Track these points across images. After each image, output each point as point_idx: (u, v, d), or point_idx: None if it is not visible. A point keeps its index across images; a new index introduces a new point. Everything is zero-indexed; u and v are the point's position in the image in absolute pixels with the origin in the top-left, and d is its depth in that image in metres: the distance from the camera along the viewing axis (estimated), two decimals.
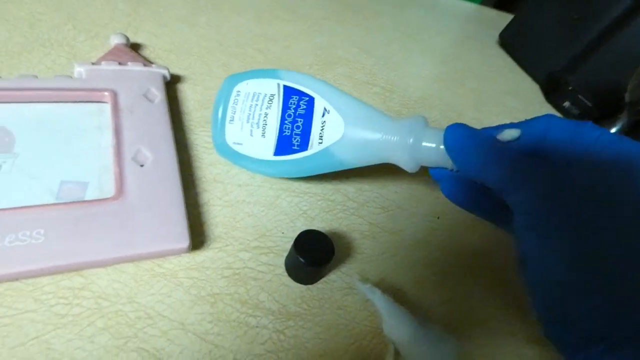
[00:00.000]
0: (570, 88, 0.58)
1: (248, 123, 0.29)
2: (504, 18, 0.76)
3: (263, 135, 0.29)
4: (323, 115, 0.27)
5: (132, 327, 0.22)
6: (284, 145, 0.28)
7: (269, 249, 0.28)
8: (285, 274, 0.27)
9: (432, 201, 0.37)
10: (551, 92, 0.60)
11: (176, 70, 0.38)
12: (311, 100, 0.28)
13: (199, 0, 0.47)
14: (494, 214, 0.25)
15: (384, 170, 0.37)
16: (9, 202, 0.24)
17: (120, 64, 0.33)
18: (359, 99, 0.28)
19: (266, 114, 0.28)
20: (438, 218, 0.35)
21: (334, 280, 0.28)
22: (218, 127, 0.30)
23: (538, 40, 0.63)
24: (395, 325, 0.25)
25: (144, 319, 0.23)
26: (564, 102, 0.59)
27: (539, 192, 0.19)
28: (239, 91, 0.30)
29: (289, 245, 0.29)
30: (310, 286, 0.27)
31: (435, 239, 0.34)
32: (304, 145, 0.28)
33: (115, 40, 0.35)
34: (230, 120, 0.30)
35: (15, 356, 0.20)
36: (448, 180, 0.26)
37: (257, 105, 0.29)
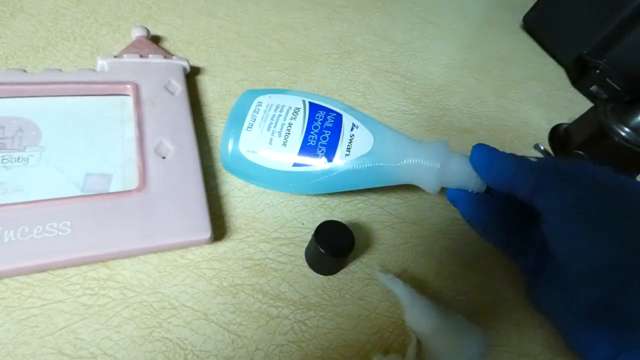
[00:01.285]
0: (597, 71, 0.55)
1: (269, 131, 0.27)
2: (528, 1, 0.73)
3: (284, 144, 0.27)
4: (352, 129, 0.27)
5: (156, 317, 0.23)
6: (307, 154, 0.27)
7: (289, 239, 0.28)
8: (306, 264, 0.28)
9: None
10: (578, 76, 0.58)
11: (195, 62, 0.38)
12: (339, 116, 0.28)
13: None
14: (504, 237, 0.27)
15: None
16: (37, 194, 0.25)
17: (141, 56, 0.33)
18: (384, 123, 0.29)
19: (290, 124, 0.27)
20: None
21: (354, 270, 0.28)
22: (230, 136, 0.28)
23: (564, 23, 0.61)
24: (417, 316, 0.25)
25: (168, 309, 0.23)
26: (591, 87, 0.56)
27: (577, 188, 0.20)
28: (260, 102, 0.29)
29: (308, 236, 0.29)
30: (330, 277, 0.27)
31: (457, 228, 0.33)
32: (329, 155, 0.27)
33: (137, 33, 0.36)
34: (248, 128, 0.28)
35: (45, 346, 0.21)
36: (465, 203, 0.27)
37: (280, 115, 0.28)
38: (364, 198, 0.33)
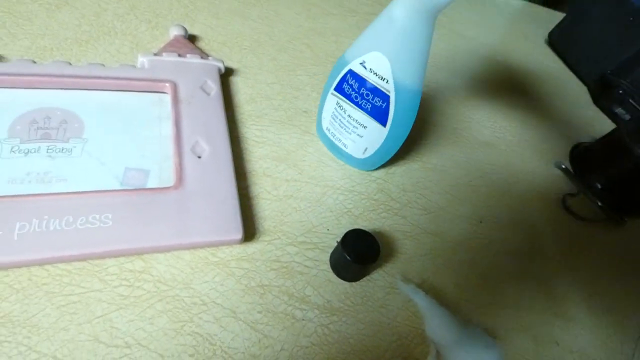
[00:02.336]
0: (620, 91, 0.56)
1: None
2: (553, 16, 0.73)
3: None
4: None
5: (188, 312, 0.24)
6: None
7: (314, 244, 0.29)
8: (330, 270, 0.28)
9: (475, 204, 0.36)
10: (600, 95, 0.58)
11: (229, 63, 0.38)
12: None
13: None
14: None
15: (426, 171, 0.37)
16: (79, 185, 0.26)
17: (179, 55, 0.34)
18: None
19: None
20: (480, 222, 0.35)
21: (376, 278, 0.29)
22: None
23: (589, 41, 0.61)
24: (437, 327, 0.26)
25: (199, 305, 0.24)
26: (613, 106, 0.56)
27: None
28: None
29: (333, 241, 0.30)
30: (353, 283, 0.28)
31: (477, 242, 0.34)
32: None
33: (175, 32, 0.37)
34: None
35: (83, 332, 0.22)
36: None
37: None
38: (388, 207, 0.33)
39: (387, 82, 0.27)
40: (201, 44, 0.39)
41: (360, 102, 0.29)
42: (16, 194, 0.24)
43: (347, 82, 0.29)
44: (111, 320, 0.22)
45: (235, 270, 0.26)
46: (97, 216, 0.24)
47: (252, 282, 0.26)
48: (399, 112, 0.29)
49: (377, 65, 0.27)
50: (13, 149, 0.26)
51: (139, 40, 0.37)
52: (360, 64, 0.28)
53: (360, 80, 0.28)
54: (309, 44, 0.45)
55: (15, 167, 0.25)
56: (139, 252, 0.25)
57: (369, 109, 0.29)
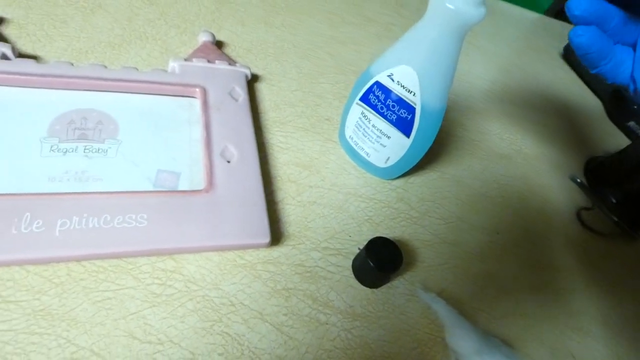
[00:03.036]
0: (635, 107, 0.56)
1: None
2: (568, 30, 0.74)
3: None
4: None
5: (217, 312, 0.25)
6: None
7: (337, 250, 0.30)
8: (352, 276, 0.29)
9: (492, 215, 0.37)
10: (615, 110, 0.59)
11: (254, 70, 0.39)
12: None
13: (274, 1, 0.49)
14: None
15: (444, 181, 0.38)
16: (114, 186, 0.26)
17: (208, 61, 0.35)
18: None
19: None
20: (497, 233, 0.36)
21: (397, 286, 0.29)
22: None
23: None
24: (458, 336, 0.26)
25: (228, 306, 0.25)
26: (627, 121, 0.57)
27: None
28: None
29: (355, 248, 0.30)
30: (374, 290, 0.29)
31: (494, 253, 0.34)
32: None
33: (203, 38, 0.38)
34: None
35: (118, 328, 0.23)
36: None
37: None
38: (407, 216, 0.34)
39: (414, 94, 0.28)
40: (227, 50, 0.40)
41: (385, 113, 0.30)
42: (56, 191, 0.24)
43: (373, 93, 0.30)
44: (145, 317, 0.23)
45: (261, 273, 0.27)
46: (133, 216, 0.25)
47: (278, 285, 0.27)
48: (423, 124, 0.29)
49: (405, 78, 0.28)
50: (52, 148, 0.27)
51: (169, 45, 0.38)
52: (388, 76, 0.29)
53: (387, 92, 0.29)
54: (330, 53, 0.46)
55: (54, 165, 0.26)
56: (170, 252, 0.25)
57: (393, 120, 0.30)
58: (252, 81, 0.38)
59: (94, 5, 0.38)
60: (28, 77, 0.29)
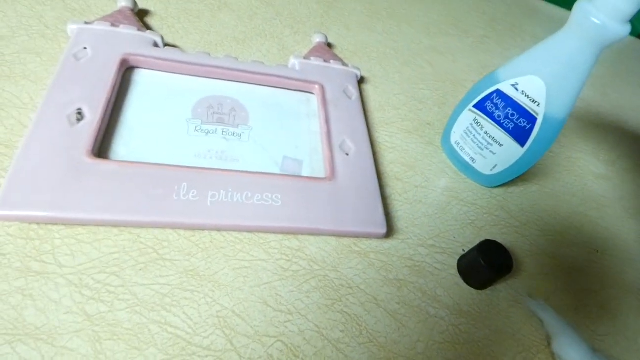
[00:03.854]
0: None
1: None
2: None
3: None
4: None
5: (337, 292, 0.26)
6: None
7: (442, 249, 0.31)
8: (457, 275, 0.30)
9: (590, 234, 0.37)
10: None
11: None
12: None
13: (377, 7, 0.51)
14: None
15: (543, 195, 0.38)
16: (249, 166, 0.29)
17: (324, 61, 0.37)
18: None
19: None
20: (597, 252, 0.35)
21: (500, 290, 0.30)
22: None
23: None
24: (567, 345, 0.26)
25: (346, 288, 0.27)
26: None
27: None
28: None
29: (459, 249, 0.31)
30: (479, 291, 0.29)
31: (595, 271, 0.34)
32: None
33: (318, 39, 0.40)
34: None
35: (254, 295, 0.25)
36: None
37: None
38: (508, 224, 0.34)
39: (538, 105, 0.29)
40: (336, 52, 0.42)
41: (502, 121, 0.31)
42: (204, 166, 0.27)
43: (492, 100, 0.31)
44: (276, 289, 0.25)
45: (374, 261, 0.28)
46: (270, 195, 0.27)
47: (390, 275, 0.28)
48: (542, 134, 0.30)
49: (531, 88, 0.28)
50: (197, 129, 0.30)
51: (284, 44, 0.41)
52: (512, 85, 0.30)
53: (508, 100, 0.30)
54: (429, 61, 0.47)
55: (199, 143, 0.29)
56: (297, 232, 0.27)
57: (510, 128, 0.31)
58: (359, 82, 0.40)
59: (220, 4, 0.41)
60: (175, 64, 0.32)
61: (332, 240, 0.28)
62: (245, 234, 0.27)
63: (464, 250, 0.31)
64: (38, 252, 0.22)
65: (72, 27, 0.31)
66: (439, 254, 0.30)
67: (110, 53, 0.30)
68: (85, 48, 0.30)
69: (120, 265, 0.23)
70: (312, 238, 0.28)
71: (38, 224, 0.23)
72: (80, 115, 0.26)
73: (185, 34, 0.37)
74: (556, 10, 0.71)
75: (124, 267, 0.23)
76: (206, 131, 0.30)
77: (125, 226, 0.24)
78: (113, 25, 0.32)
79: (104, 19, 0.32)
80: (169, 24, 0.37)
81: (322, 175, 0.30)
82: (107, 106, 0.27)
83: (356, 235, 0.28)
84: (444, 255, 0.30)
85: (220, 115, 0.31)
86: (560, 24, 0.66)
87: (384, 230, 0.28)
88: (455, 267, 0.30)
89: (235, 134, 0.30)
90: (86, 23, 0.31)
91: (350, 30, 0.46)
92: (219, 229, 0.26)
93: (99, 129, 0.26)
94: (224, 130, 0.30)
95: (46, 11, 0.33)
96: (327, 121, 0.33)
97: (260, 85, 0.34)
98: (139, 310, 0.22)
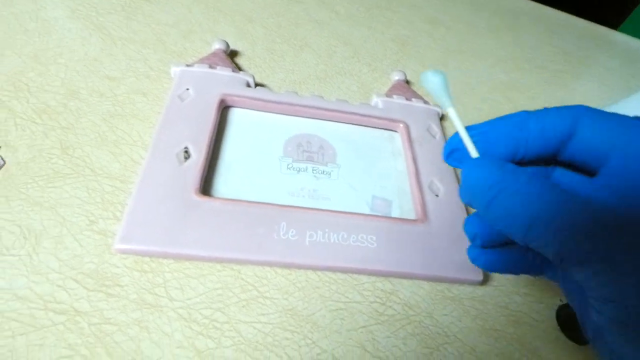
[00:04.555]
0: None
1: None
2: None
3: None
4: None
5: (434, 340, 0.25)
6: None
7: (537, 298, 0.29)
8: (556, 326, 0.28)
9: None
10: None
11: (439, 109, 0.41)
12: None
13: (448, 43, 0.51)
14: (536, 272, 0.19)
15: None
16: (340, 206, 0.29)
17: (406, 99, 0.37)
18: None
19: None
20: None
21: None
22: None
23: None
24: None
25: (442, 336, 0.26)
26: None
27: None
28: None
29: (557, 298, 0.29)
30: (581, 346, 0.27)
31: None
32: None
33: (397, 77, 0.40)
34: None
35: (351, 338, 0.24)
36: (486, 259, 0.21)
37: None
38: None
39: None
40: (414, 89, 0.43)
41: None
42: (298, 205, 0.28)
43: None
44: (372, 332, 0.25)
45: (469, 309, 0.27)
46: (365, 236, 0.27)
47: (486, 324, 0.27)
48: None
49: None
50: (288, 166, 0.30)
51: (363, 81, 0.41)
52: None
53: None
54: (507, 97, 0.46)
55: (291, 181, 0.29)
56: (390, 275, 0.27)
57: None
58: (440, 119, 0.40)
59: (302, 44, 0.43)
60: (267, 103, 0.33)
61: (425, 284, 0.28)
62: (339, 274, 0.27)
63: (561, 300, 0.29)
64: (152, 285, 0.23)
65: (175, 70, 0.33)
66: (535, 303, 0.29)
67: (210, 94, 0.31)
68: (187, 89, 0.31)
69: (224, 301, 0.24)
70: (404, 281, 0.28)
71: (150, 257, 0.24)
72: (187, 153, 0.28)
73: (271, 73, 0.39)
74: (628, 40, 0.68)
75: (228, 303, 0.24)
76: (297, 169, 0.30)
77: (227, 262, 0.25)
78: (211, 67, 0.34)
79: (202, 61, 0.34)
80: (256, 64, 0.39)
81: (412, 217, 0.30)
82: (210, 145, 0.29)
83: (449, 281, 0.28)
84: (540, 304, 0.29)
85: (309, 154, 0.32)
86: (635, 54, 0.63)
87: (479, 278, 0.27)
88: (554, 318, 0.28)
89: (325, 172, 0.31)
90: (187, 65, 0.33)
91: (425, 67, 0.46)
92: (315, 268, 0.26)
93: (204, 167, 0.27)
94: (314, 169, 0.31)
95: (150, 54, 0.36)
96: (415, 160, 0.32)
97: (345, 123, 0.35)
98: (243, 349, 0.22)
